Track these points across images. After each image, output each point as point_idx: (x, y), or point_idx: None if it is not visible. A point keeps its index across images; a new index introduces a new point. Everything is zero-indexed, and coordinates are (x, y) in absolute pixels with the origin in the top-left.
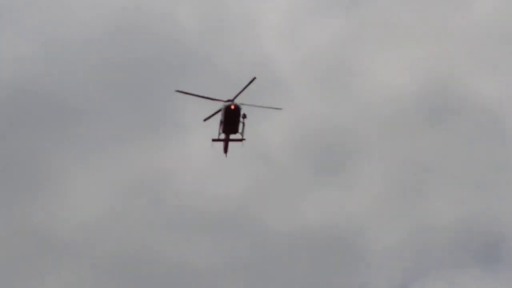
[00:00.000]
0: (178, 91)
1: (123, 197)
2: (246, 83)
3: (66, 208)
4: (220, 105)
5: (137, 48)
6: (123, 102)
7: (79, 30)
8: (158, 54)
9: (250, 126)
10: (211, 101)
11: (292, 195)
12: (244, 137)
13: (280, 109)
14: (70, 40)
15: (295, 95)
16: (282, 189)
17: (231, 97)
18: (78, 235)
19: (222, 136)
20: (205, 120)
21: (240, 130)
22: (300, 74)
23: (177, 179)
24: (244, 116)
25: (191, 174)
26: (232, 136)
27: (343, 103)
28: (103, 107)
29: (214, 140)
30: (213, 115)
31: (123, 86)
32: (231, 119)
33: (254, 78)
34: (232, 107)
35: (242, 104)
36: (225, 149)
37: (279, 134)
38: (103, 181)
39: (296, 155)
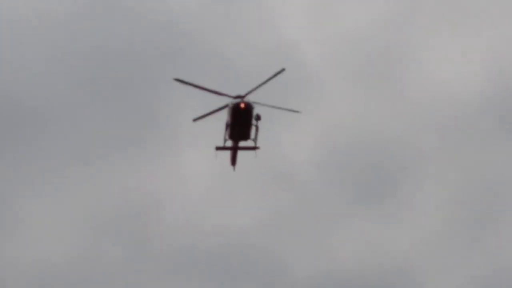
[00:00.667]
0: (177, 79)
1: (95, 233)
2: (271, 75)
3: (18, 247)
4: (226, 102)
5: (114, 33)
6: (96, 105)
7: (34, 6)
8: (143, 41)
9: (266, 133)
10: (216, 96)
11: (321, 229)
12: (257, 145)
13: (298, 112)
14: (21, 19)
15: (325, 95)
16: (308, 220)
17: (241, 92)
18: (33, 282)
19: (229, 143)
20: (195, 120)
21: (252, 136)
22: (331, 67)
23: (168, 208)
24: (258, 118)
25: (186, 201)
26: (242, 144)
27: (388, 105)
28: (67, 112)
29: (218, 148)
30: (209, 114)
31: (95, 84)
32: (241, 122)
33: (283, 70)
34: (242, 105)
35: (254, 102)
36: (233, 160)
37: (304, 145)
38: (67, 211)
39: (326, 174)
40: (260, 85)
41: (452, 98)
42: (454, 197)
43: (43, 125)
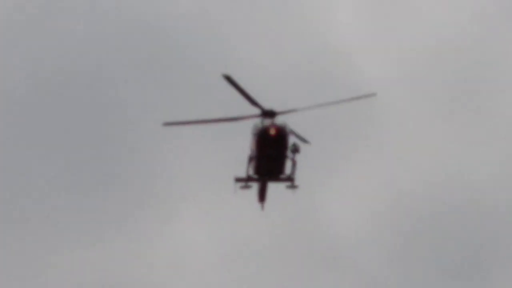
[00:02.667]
0: (225, 76)
1: None
2: (351, 97)
3: None
4: (251, 118)
5: (85, 52)
6: (52, 159)
7: None
8: (125, 56)
9: (302, 186)
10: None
11: None
12: (295, 183)
13: (308, 142)
14: None
15: (393, 130)
16: None
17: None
18: None
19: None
20: (166, 124)
21: (287, 171)
22: (402, 91)
23: None
24: (296, 150)
25: None
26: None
27: (486, 147)
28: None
29: (238, 180)
30: (189, 122)
31: (53, 123)
32: (271, 153)
33: (373, 94)
34: (273, 131)
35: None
36: (261, 196)
37: (361, 207)
38: None
39: (392, 252)
40: (316, 106)
41: None
42: None
43: None
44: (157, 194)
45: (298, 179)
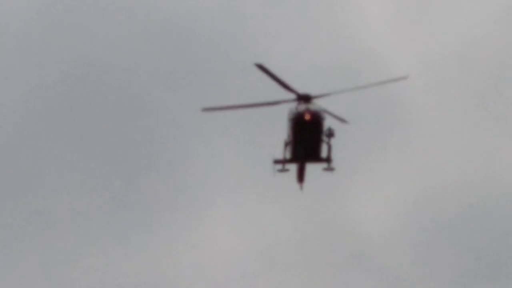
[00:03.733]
0: (258, 65)
1: None
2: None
3: None
4: (289, 103)
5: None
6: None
7: None
8: (146, 52)
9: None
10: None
11: None
12: (333, 165)
13: (346, 122)
14: None
15: (423, 134)
16: None
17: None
18: None
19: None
20: (205, 110)
21: (324, 154)
22: (431, 93)
23: None
24: (330, 134)
25: None
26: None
27: None
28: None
29: (277, 162)
30: (227, 107)
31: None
32: (306, 137)
33: (405, 77)
34: (308, 116)
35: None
36: (300, 176)
37: (388, 210)
38: None
39: (419, 252)
40: (350, 89)
41: None
42: None
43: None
44: (189, 186)
45: (327, 194)
